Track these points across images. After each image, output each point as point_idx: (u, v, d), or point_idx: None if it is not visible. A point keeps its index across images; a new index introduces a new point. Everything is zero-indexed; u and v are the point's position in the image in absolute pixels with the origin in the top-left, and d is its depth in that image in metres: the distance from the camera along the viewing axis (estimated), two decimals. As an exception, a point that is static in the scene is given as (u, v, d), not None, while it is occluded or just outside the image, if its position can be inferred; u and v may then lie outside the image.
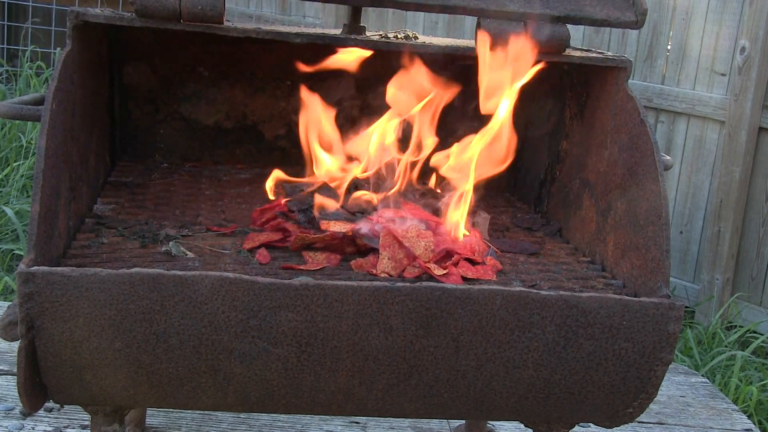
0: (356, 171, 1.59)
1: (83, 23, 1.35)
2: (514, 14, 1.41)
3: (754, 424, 2.44)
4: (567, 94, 1.74)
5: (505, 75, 1.43)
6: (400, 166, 1.61)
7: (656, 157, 1.35)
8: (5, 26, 5.98)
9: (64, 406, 1.48)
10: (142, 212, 1.58)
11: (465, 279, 1.38)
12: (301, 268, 1.37)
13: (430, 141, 1.60)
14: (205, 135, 1.96)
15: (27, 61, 5.10)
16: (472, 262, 1.44)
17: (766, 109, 3.63)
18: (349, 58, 1.56)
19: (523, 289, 1.20)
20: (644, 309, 1.23)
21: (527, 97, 1.91)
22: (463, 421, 1.93)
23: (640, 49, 4.09)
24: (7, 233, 3.41)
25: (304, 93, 1.61)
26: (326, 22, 6.05)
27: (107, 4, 5.87)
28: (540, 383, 1.26)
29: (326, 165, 1.60)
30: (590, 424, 1.71)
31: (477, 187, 1.52)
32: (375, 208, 1.52)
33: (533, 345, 1.22)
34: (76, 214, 1.43)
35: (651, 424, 2.12)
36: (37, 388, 1.21)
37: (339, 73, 1.79)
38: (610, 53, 1.53)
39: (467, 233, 1.51)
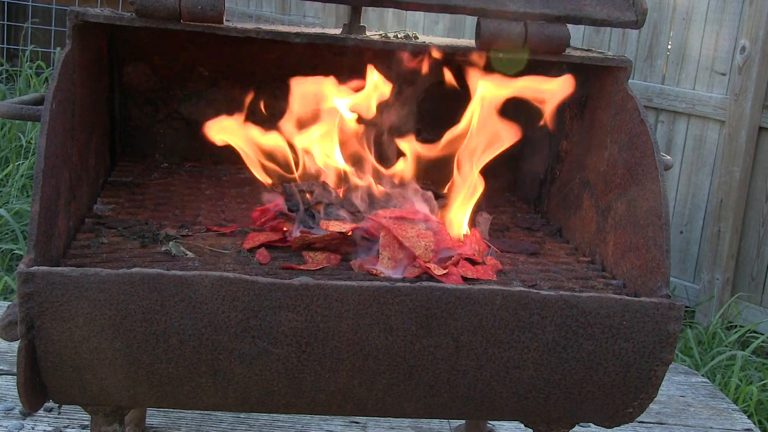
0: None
1: (83, 23, 1.35)
2: (514, 14, 1.41)
3: (754, 424, 2.44)
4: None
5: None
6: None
7: (656, 157, 1.35)
8: (5, 26, 5.98)
9: (64, 406, 1.49)
10: (142, 212, 1.58)
11: (465, 279, 1.38)
12: (301, 268, 1.37)
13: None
14: (205, 135, 1.96)
15: (27, 61, 5.10)
16: (472, 262, 1.44)
17: (766, 109, 3.63)
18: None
19: (523, 289, 1.20)
20: (644, 309, 1.23)
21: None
22: (463, 421, 1.93)
23: (640, 49, 4.09)
24: (7, 233, 3.41)
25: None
26: (326, 22, 6.05)
27: (107, 4, 5.87)
28: (540, 383, 1.26)
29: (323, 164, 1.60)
30: (590, 424, 1.71)
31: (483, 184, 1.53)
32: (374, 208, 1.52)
33: (533, 345, 1.22)
34: (76, 214, 1.43)
35: (651, 424, 2.12)
36: (37, 388, 1.21)
37: (339, 73, 1.79)
38: (610, 53, 1.53)
39: (467, 233, 1.51)
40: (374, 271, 1.36)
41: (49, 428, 1.84)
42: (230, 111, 1.96)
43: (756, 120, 3.63)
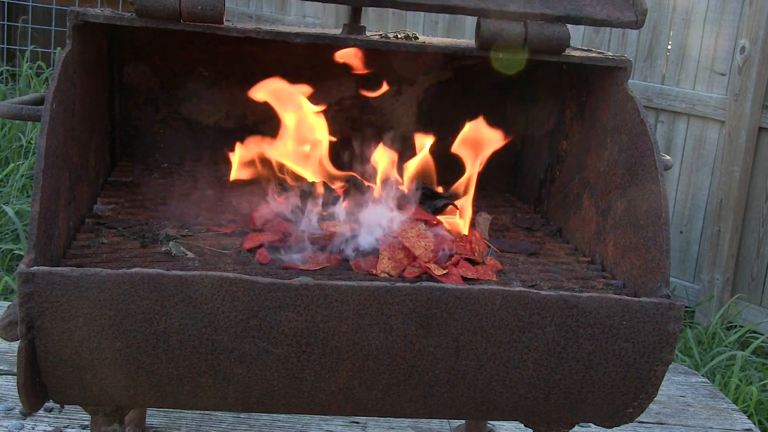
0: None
1: (83, 23, 1.35)
2: (514, 14, 1.41)
3: (754, 424, 2.44)
4: (567, 94, 1.74)
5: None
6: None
7: (656, 157, 1.35)
8: (5, 26, 5.98)
9: (64, 406, 1.48)
10: (142, 212, 1.58)
11: (465, 279, 1.38)
12: (301, 268, 1.37)
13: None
14: (205, 135, 1.96)
15: (27, 61, 5.10)
16: (472, 262, 1.44)
17: (766, 109, 3.63)
18: None
19: (523, 289, 1.20)
20: (644, 309, 1.23)
21: (527, 97, 1.91)
22: (463, 421, 1.93)
23: (640, 49, 4.09)
24: (7, 233, 3.41)
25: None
26: (326, 22, 6.05)
27: (107, 4, 5.87)
28: (540, 383, 1.26)
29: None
30: (590, 424, 1.71)
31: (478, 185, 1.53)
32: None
33: (533, 345, 1.22)
34: (76, 214, 1.43)
35: (651, 424, 2.12)
36: (37, 388, 1.21)
37: (339, 73, 1.80)
38: (610, 53, 1.53)
39: (467, 233, 1.51)
40: (374, 272, 1.36)
41: (49, 428, 1.84)
42: (230, 111, 1.96)
43: (756, 120, 3.63)
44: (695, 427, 2.13)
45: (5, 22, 6.00)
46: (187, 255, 1.38)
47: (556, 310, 1.21)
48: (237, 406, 1.27)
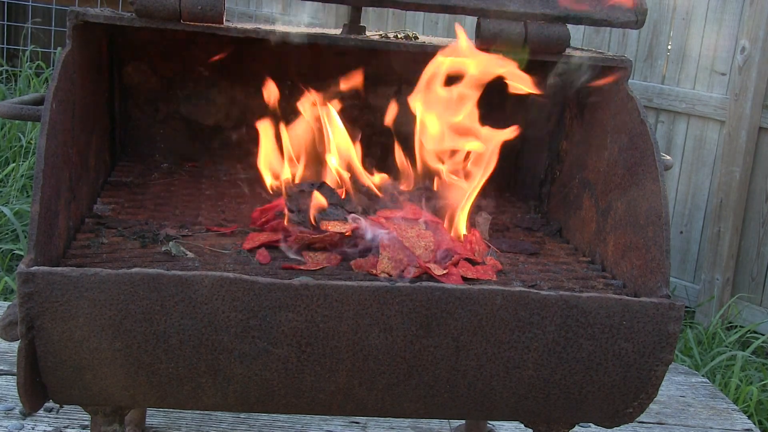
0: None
1: (83, 23, 1.35)
2: (514, 14, 1.41)
3: (754, 424, 2.44)
4: (567, 94, 1.74)
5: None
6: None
7: (656, 157, 1.35)
8: (5, 26, 5.98)
9: (64, 406, 1.49)
10: (142, 212, 1.58)
11: (465, 279, 1.38)
12: (301, 268, 1.37)
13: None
14: (205, 135, 1.96)
15: (27, 61, 5.10)
16: (472, 262, 1.44)
17: (766, 109, 3.63)
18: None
19: (523, 289, 1.20)
20: (644, 309, 1.23)
21: (527, 97, 1.91)
22: (463, 421, 1.93)
23: (640, 49, 4.09)
24: (7, 233, 3.41)
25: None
26: (326, 22, 6.05)
27: (107, 4, 5.87)
28: (540, 383, 1.26)
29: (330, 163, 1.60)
30: (590, 424, 1.71)
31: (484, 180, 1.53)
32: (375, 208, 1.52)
33: (533, 345, 1.22)
34: (76, 214, 1.43)
35: (651, 424, 2.12)
36: (37, 388, 1.21)
37: (338, 73, 1.79)
38: (610, 53, 1.53)
39: (467, 233, 1.51)
40: (374, 271, 1.36)
41: (49, 428, 1.84)
42: (230, 111, 1.96)
43: (756, 120, 3.63)
44: (695, 427, 2.13)
45: (5, 22, 6.00)
46: (187, 255, 1.38)
47: (556, 310, 1.21)
48: (237, 406, 1.27)
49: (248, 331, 1.16)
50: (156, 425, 1.88)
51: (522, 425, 1.57)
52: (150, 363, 1.18)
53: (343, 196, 1.55)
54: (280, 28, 1.47)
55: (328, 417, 1.97)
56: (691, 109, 3.91)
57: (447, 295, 1.18)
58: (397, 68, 1.92)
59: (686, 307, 3.75)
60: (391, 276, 1.36)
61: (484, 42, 1.43)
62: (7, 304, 2.40)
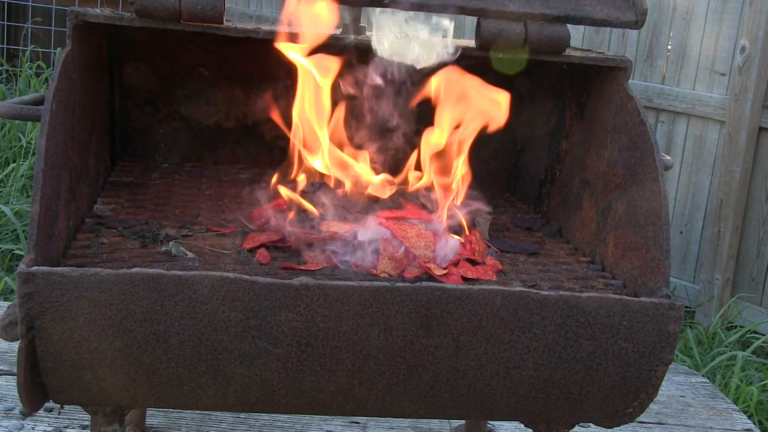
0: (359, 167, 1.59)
1: (83, 23, 1.35)
2: (514, 14, 1.41)
3: (755, 424, 2.44)
4: (567, 94, 1.74)
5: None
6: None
7: (656, 157, 1.35)
8: (5, 26, 5.98)
9: (64, 406, 1.48)
10: (142, 212, 1.58)
11: (465, 279, 1.38)
12: (301, 268, 1.37)
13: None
14: (205, 135, 1.96)
15: (27, 61, 5.10)
16: (472, 262, 1.44)
17: (766, 109, 3.63)
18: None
19: (523, 289, 1.20)
20: (644, 309, 1.23)
21: (527, 97, 1.91)
22: (463, 421, 1.93)
23: (640, 49, 4.10)
24: (7, 233, 3.41)
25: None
26: (326, 22, 6.03)
27: (107, 4, 5.87)
28: (540, 383, 1.26)
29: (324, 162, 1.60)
30: (590, 424, 1.71)
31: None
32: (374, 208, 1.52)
33: (533, 345, 1.22)
34: (76, 214, 1.43)
35: (651, 424, 2.12)
36: (37, 388, 1.21)
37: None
38: (610, 53, 1.53)
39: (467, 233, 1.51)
40: (374, 272, 1.36)
41: (49, 428, 1.84)
42: (230, 111, 1.96)
43: (756, 120, 3.63)
44: (695, 427, 2.13)
45: (5, 22, 6.00)
46: (187, 255, 1.38)
47: (556, 310, 1.21)
48: (237, 406, 1.27)
49: (248, 331, 1.16)
50: (156, 425, 1.88)
51: (522, 425, 1.57)
52: (150, 363, 1.18)
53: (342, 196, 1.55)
54: (280, 28, 1.47)
55: (328, 417, 1.97)
56: (691, 109, 3.91)
57: (447, 295, 1.18)
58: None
59: (686, 307, 3.75)
60: (391, 276, 1.36)
61: (484, 42, 1.43)
62: (7, 304, 2.40)
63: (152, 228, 1.49)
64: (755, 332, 3.45)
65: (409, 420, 1.99)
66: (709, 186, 3.86)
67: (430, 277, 1.35)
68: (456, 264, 1.40)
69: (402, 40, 1.40)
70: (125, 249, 1.39)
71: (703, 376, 2.75)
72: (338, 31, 1.54)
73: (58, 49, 5.25)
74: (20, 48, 5.60)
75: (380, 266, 1.37)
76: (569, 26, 1.45)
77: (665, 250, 1.30)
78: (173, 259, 1.36)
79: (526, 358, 1.23)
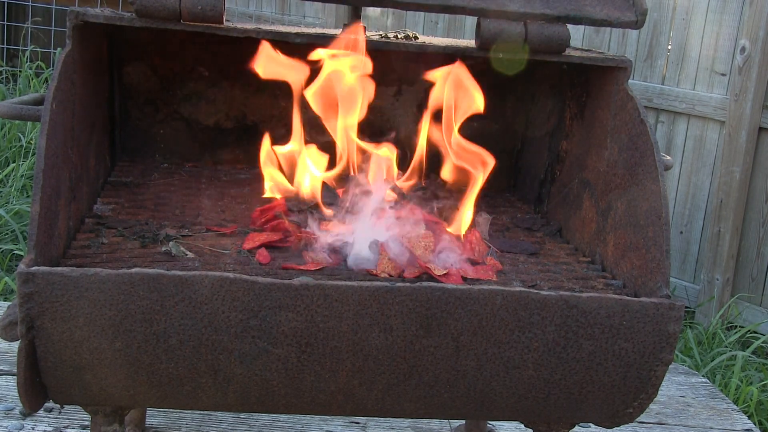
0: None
1: (83, 23, 1.35)
2: (514, 14, 1.41)
3: (755, 424, 2.44)
4: (567, 94, 1.74)
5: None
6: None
7: (656, 157, 1.35)
8: (5, 26, 5.98)
9: (64, 406, 1.48)
10: (142, 212, 1.58)
11: (465, 279, 1.38)
12: (301, 268, 1.37)
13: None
14: (205, 135, 1.96)
15: (27, 61, 5.10)
16: (472, 262, 1.44)
17: (766, 109, 3.63)
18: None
19: (523, 289, 1.20)
20: (644, 309, 1.23)
21: (527, 97, 1.91)
22: (463, 421, 1.93)
23: (640, 49, 4.09)
24: (7, 233, 3.41)
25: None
26: (326, 22, 6.05)
27: (107, 4, 5.87)
28: (540, 383, 1.26)
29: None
30: (590, 424, 1.71)
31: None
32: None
33: (533, 345, 1.22)
34: (76, 214, 1.43)
35: (651, 424, 2.12)
36: (37, 388, 1.21)
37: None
38: (610, 53, 1.53)
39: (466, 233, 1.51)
40: (374, 272, 1.36)
41: (49, 428, 1.84)
42: (230, 111, 1.96)
43: (756, 120, 3.63)
44: (695, 427, 2.13)
45: (5, 22, 6.00)
46: (187, 255, 1.38)
47: (556, 310, 1.21)
48: (237, 406, 1.27)
49: (248, 331, 1.16)
50: (156, 425, 1.88)
51: (522, 425, 1.57)
52: (150, 363, 1.18)
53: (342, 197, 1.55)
54: (280, 28, 1.47)
55: (328, 417, 1.97)
56: (691, 110, 3.91)
57: (447, 295, 1.18)
58: (397, 68, 1.93)
59: (686, 307, 3.76)
60: (391, 276, 1.36)
61: (484, 42, 1.43)
62: (7, 304, 2.40)
63: (152, 228, 1.49)
64: (755, 332, 3.45)
65: (409, 420, 1.99)
66: (709, 186, 3.86)
67: (430, 277, 1.35)
68: (456, 264, 1.40)
69: None
70: (125, 249, 1.39)
71: (703, 376, 2.75)
72: (338, 32, 1.54)
73: (58, 49, 5.25)
74: (20, 48, 5.60)
75: (380, 266, 1.37)
76: (569, 26, 1.45)
77: (665, 250, 1.30)
78: (173, 259, 1.36)
79: (526, 358, 1.23)
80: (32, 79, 4.93)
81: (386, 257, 1.38)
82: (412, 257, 1.37)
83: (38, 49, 5.45)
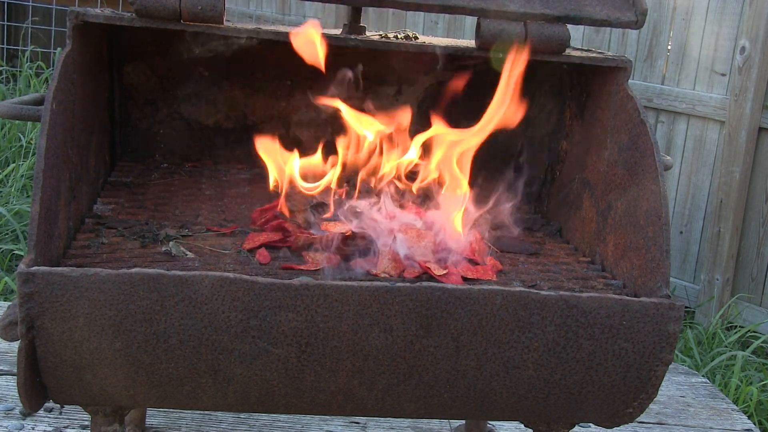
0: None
1: (83, 23, 1.35)
2: (514, 14, 1.41)
3: (754, 424, 2.44)
4: (567, 94, 1.74)
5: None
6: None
7: (656, 157, 1.35)
8: (5, 26, 5.98)
9: (64, 406, 1.49)
10: (142, 212, 1.58)
11: (465, 279, 1.38)
12: (301, 268, 1.37)
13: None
14: (205, 135, 1.96)
15: (27, 61, 5.10)
16: (472, 262, 1.44)
17: (766, 109, 3.63)
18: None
19: (523, 289, 1.20)
20: (644, 309, 1.23)
21: (527, 97, 1.91)
22: (463, 421, 1.93)
23: (640, 49, 4.09)
24: (7, 233, 3.41)
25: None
26: (326, 22, 6.05)
27: (107, 4, 5.87)
28: (540, 383, 1.26)
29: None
30: (590, 424, 1.71)
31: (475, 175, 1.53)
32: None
33: (533, 345, 1.22)
34: (76, 214, 1.43)
35: (651, 424, 2.12)
36: (37, 388, 1.21)
37: (338, 73, 1.79)
38: (610, 53, 1.53)
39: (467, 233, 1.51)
40: (374, 272, 1.36)
41: (49, 428, 1.84)
42: (230, 111, 1.96)
43: (756, 120, 3.63)
44: (695, 427, 2.13)
45: (5, 22, 6.00)
46: (187, 255, 1.38)
47: (556, 310, 1.21)
48: (237, 406, 1.27)
49: (248, 331, 1.16)
50: (156, 425, 1.88)
51: (522, 425, 1.57)
52: (150, 363, 1.18)
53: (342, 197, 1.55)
54: (280, 28, 1.47)
55: (328, 417, 1.97)
56: (691, 110, 3.91)
57: (447, 295, 1.18)
58: (397, 68, 1.92)
59: (686, 307, 3.76)
60: (391, 276, 1.36)
61: (484, 42, 1.43)
62: (7, 304, 2.40)
63: (152, 228, 1.49)
64: (755, 332, 3.45)
65: (409, 420, 1.99)
66: (709, 186, 3.86)
67: (430, 277, 1.35)
68: (456, 264, 1.40)
69: None
70: (125, 249, 1.39)
71: (703, 376, 2.75)
72: (338, 32, 1.54)
73: (58, 49, 5.25)
74: (20, 48, 5.60)
75: (380, 266, 1.37)
76: (569, 26, 1.45)
77: (665, 250, 1.30)
78: (173, 259, 1.36)
79: (526, 358, 1.23)
80: (32, 79, 4.93)
81: (386, 257, 1.37)
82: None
83: (38, 49, 5.45)
